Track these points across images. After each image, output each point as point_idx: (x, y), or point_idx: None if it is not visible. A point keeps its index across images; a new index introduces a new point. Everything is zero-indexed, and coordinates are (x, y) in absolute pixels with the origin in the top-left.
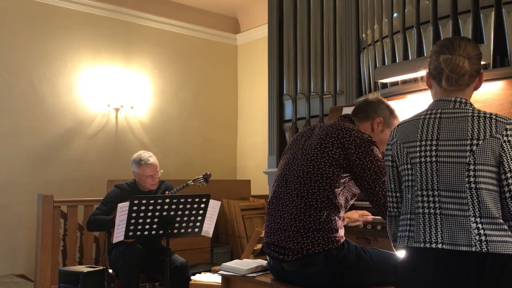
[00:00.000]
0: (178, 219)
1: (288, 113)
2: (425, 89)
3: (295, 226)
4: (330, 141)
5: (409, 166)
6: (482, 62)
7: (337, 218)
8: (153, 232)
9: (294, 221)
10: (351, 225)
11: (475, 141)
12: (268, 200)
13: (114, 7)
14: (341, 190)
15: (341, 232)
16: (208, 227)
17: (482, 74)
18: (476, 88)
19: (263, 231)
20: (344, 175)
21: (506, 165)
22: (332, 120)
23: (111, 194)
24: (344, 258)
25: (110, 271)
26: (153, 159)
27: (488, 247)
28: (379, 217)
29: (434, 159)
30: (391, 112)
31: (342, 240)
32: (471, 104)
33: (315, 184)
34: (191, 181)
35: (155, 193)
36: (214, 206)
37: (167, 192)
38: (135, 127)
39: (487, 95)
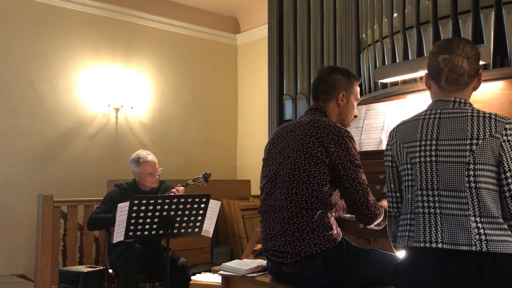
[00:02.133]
0: (178, 219)
1: (288, 113)
2: (424, 89)
3: (289, 230)
4: (311, 140)
5: (409, 166)
6: (482, 62)
7: (329, 215)
8: (153, 232)
9: (288, 225)
10: None
11: (474, 141)
12: (258, 209)
13: (114, 7)
14: (329, 188)
15: (336, 229)
16: (208, 227)
17: (481, 75)
18: (475, 88)
19: None
20: (329, 172)
21: (506, 165)
22: (307, 117)
23: (111, 194)
24: (343, 259)
25: (110, 271)
26: (151, 156)
27: (488, 247)
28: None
29: (434, 158)
30: (348, 78)
31: (339, 238)
32: (471, 104)
33: (303, 186)
34: (190, 181)
35: (155, 193)
36: (214, 206)
37: (181, 188)
38: (135, 127)
39: (487, 95)
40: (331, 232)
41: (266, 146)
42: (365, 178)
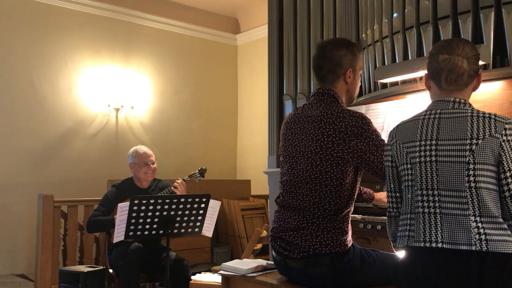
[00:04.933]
0: (178, 219)
1: (288, 113)
2: (424, 90)
3: (307, 229)
4: (329, 140)
5: (409, 166)
6: (481, 62)
7: (349, 218)
8: (153, 232)
9: (307, 223)
10: (379, 204)
11: (474, 141)
12: (276, 202)
13: (114, 7)
14: (351, 181)
15: (350, 234)
16: (208, 227)
17: (481, 75)
18: (474, 89)
19: (263, 230)
20: (351, 168)
21: (506, 165)
22: (317, 108)
23: (108, 195)
24: (348, 263)
25: (111, 271)
26: (146, 148)
27: (488, 246)
28: (381, 217)
29: (434, 158)
30: (352, 52)
31: (349, 245)
32: (470, 104)
33: (326, 188)
34: (187, 177)
35: (152, 190)
36: (214, 206)
37: (180, 180)
38: (135, 127)
39: (487, 95)
40: (345, 237)
41: (281, 140)
42: None
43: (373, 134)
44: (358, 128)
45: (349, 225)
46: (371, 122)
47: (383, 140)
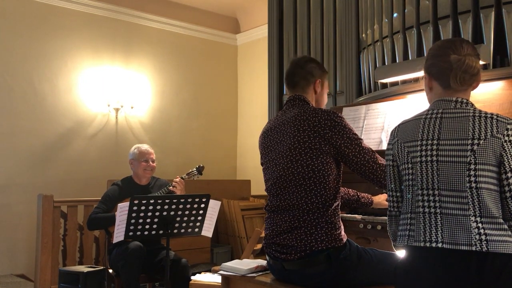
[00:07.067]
0: (178, 219)
1: None
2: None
3: (300, 227)
4: (305, 134)
5: (409, 166)
6: (482, 62)
7: (339, 213)
8: (153, 232)
9: (299, 222)
10: (378, 207)
11: (476, 141)
12: (265, 207)
13: (114, 7)
14: (335, 176)
15: (342, 229)
16: (208, 227)
17: (480, 75)
18: (473, 87)
19: (263, 231)
20: (331, 159)
21: (507, 165)
22: (291, 111)
23: (109, 193)
24: (345, 258)
25: (110, 271)
26: (148, 146)
27: (488, 247)
28: (381, 217)
29: (434, 158)
30: (321, 68)
31: (344, 240)
32: (472, 104)
33: (310, 181)
34: (185, 175)
35: (150, 188)
36: (214, 206)
37: (178, 179)
38: (135, 127)
39: (487, 95)
40: (339, 232)
41: (260, 150)
42: (367, 145)
43: (346, 127)
44: (331, 121)
45: (340, 220)
46: (344, 118)
47: (357, 135)
